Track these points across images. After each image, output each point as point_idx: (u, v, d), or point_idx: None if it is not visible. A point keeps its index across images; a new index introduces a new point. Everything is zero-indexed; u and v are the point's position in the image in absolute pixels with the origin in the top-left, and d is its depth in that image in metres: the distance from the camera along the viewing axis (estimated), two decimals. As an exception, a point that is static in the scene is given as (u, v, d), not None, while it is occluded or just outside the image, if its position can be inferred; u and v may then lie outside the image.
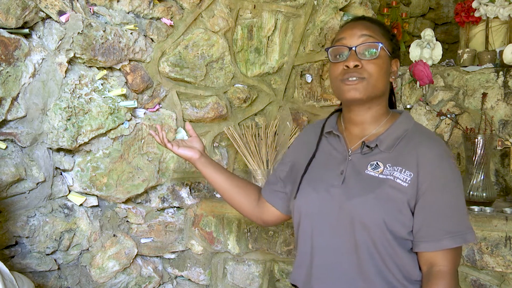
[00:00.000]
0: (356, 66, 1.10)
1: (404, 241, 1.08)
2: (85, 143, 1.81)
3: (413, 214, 1.08)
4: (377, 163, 1.11)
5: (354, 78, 1.10)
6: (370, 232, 1.06)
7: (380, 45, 1.11)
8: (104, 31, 1.78)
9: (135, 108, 1.94)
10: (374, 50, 1.11)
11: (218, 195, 2.22)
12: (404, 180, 1.07)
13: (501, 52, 2.23)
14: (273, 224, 1.41)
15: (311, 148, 1.24)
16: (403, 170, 1.08)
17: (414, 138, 1.12)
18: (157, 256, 2.14)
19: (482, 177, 1.87)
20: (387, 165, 1.10)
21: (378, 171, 1.10)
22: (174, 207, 2.13)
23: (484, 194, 1.86)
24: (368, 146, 1.13)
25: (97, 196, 1.90)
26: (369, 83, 1.10)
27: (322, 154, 1.22)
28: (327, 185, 1.14)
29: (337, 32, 1.20)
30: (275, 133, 2.20)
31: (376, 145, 1.13)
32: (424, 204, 1.07)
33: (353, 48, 1.11)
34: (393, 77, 1.19)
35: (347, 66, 1.10)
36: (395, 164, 1.09)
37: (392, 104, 1.27)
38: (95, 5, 1.81)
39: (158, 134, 1.37)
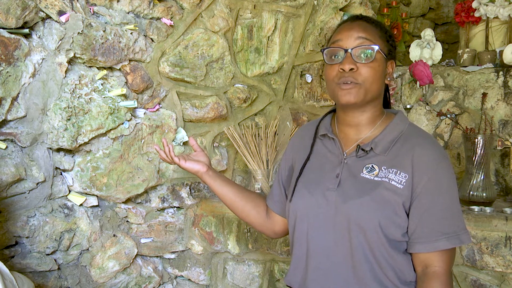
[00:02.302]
0: (351, 69, 1.10)
1: (399, 243, 1.09)
2: (85, 143, 1.81)
3: (408, 215, 1.08)
4: (372, 166, 1.11)
5: (349, 82, 1.10)
6: (365, 234, 1.06)
7: (376, 48, 1.11)
8: (104, 31, 1.78)
9: (135, 108, 1.94)
10: (370, 52, 1.10)
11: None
12: (399, 182, 1.07)
13: (501, 52, 2.23)
14: (285, 234, 1.38)
15: (306, 150, 1.24)
16: (398, 172, 1.08)
17: (409, 140, 1.12)
18: (157, 256, 2.14)
19: (482, 177, 1.87)
20: (382, 168, 1.10)
21: (373, 174, 1.10)
22: (174, 207, 2.13)
23: (484, 194, 1.86)
24: (363, 150, 1.14)
25: (97, 196, 1.90)
26: (364, 88, 1.10)
27: (317, 156, 1.22)
28: (322, 188, 1.14)
29: (333, 33, 1.19)
30: (275, 133, 2.20)
31: (371, 148, 1.13)
32: (419, 206, 1.07)
33: (349, 51, 1.10)
34: (388, 78, 1.19)
35: (343, 69, 1.10)
36: (390, 166, 1.10)
37: (387, 104, 1.27)
38: (95, 5, 1.81)
39: (163, 149, 1.32)
